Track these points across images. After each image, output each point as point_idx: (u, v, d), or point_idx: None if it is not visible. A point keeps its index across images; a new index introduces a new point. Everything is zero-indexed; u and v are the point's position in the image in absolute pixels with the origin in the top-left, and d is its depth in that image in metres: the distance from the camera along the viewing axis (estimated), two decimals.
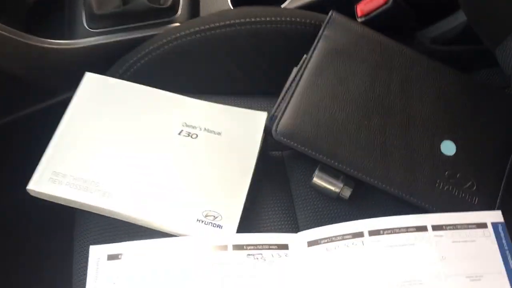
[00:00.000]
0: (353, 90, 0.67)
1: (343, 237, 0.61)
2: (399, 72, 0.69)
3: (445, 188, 0.64)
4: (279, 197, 0.69)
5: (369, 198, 0.68)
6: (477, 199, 0.64)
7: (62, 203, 0.64)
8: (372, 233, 0.61)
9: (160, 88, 0.71)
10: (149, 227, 0.63)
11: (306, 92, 0.67)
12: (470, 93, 0.69)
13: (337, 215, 0.67)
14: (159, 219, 0.62)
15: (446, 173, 0.65)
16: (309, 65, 0.69)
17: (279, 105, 0.68)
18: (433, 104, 0.68)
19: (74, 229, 0.66)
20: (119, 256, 0.61)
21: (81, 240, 0.64)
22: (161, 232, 0.63)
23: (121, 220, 0.64)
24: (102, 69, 0.74)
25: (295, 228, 0.67)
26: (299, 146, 0.65)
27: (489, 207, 0.64)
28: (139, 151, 0.66)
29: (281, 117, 0.66)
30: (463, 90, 0.69)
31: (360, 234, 0.61)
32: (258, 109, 0.71)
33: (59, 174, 0.64)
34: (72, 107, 0.68)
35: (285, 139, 0.65)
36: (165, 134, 0.68)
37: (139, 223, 0.63)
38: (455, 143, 0.66)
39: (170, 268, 0.60)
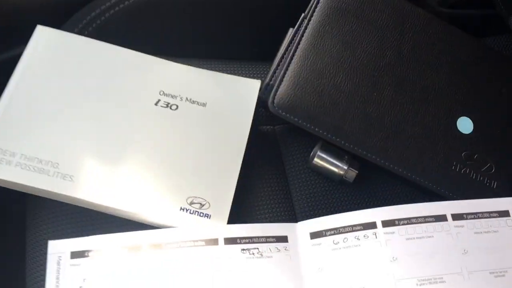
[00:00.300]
0: (360, 56, 0.58)
1: (352, 228, 0.53)
2: (411, 36, 0.60)
3: (462, 171, 0.57)
4: (272, 180, 0.59)
5: (376, 182, 0.59)
6: (495, 183, 0.58)
7: (11, 188, 0.52)
8: (386, 223, 0.52)
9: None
10: (121, 217, 0.53)
11: (307, 57, 0.57)
12: (489, 62, 0.62)
13: (339, 201, 0.58)
14: (133, 207, 0.51)
15: (463, 154, 0.58)
16: (309, 26, 0.59)
17: (274, 72, 0.58)
18: (448, 74, 0.60)
19: (26, 220, 0.54)
20: (86, 253, 0.50)
21: (36, 234, 0.52)
22: (136, 223, 0.53)
23: (87, 209, 0.52)
24: (59, 24, 0.61)
25: (291, 216, 0.58)
26: (299, 121, 0.55)
27: (509, 192, 0.58)
28: (107, 124, 0.54)
29: (278, 87, 0.56)
30: (481, 59, 0.62)
31: (372, 225, 0.52)
32: (248, 77, 0.61)
33: (7, 153, 0.51)
34: (21, 68, 0.55)
35: (283, 113, 0.55)
36: (138, 104, 0.56)
37: (109, 212, 0.52)
38: (472, 120, 0.59)
39: (149, 268, 0.49)
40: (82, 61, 0.57)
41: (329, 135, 0.56)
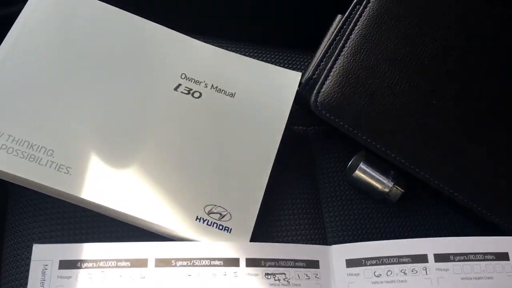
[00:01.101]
0: (421, 56, 0.49)
1: (398, 259, 0.44)
2: (482, 40, 0.51)
3: None
4: (300, 191, 0.50)
5: (421, 205, 0.51)
6: None
7: None
8: (439, 257, 0.44)
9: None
10: (125, 221, 0.44)
11: (359, 51, 0.48)
12: None
13: (378, 223, 0.50)
14: (140, 212, 0.42)
15: None
16: (364, 14, 0.50)
17: (318, 65, 0.49)
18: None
19: (7, 216, 0.45)
20: (79, 264, 0.41)
21: (18, 234, 0.43)
22: (143, 231, 0.44)
23: (84, 209, 0.43)
24: None
25: (321, 237, 0.49)
26: (345, 125, 0.47)
27: None
28: (115, 108, 0.45)
29: (323, 83, 0.47)
30: None
31: (423, 258, 0.44)
32: (281, 65, 0.52)
33: None
34: (16, 31, 0.46)
35: (327, 114, 0.47)
36: (155, 87, 0.47)
37: (111, 215, 0.43)
38: None
39: (153, 287, 0.41)
40: (89, 28, 0.47)
41: (378, 145, 0.47)
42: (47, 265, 0.40)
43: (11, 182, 0.43)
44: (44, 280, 0.40)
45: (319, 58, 0.49)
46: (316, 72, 0.49)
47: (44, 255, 0.41)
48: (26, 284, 0.40)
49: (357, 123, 0.47)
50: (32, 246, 0.41)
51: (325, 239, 0.49)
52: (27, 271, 0.40)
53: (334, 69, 0.48)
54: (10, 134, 0.42)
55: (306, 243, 0.47)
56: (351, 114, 0.47)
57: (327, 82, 0.47)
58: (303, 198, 0.50)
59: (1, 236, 0.44)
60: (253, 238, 0.44)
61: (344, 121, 0.47)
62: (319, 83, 0.47)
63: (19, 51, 0.45)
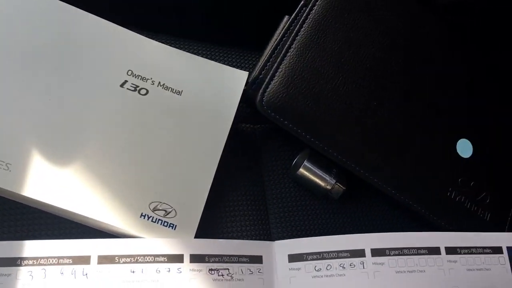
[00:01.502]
0: (364, 59, 0.51)
1: (338, 254, 0.46)
2: (423, 43, 0.54)
3: (457, 199, 0.52)
4: (246, 188, 0.51)
5: (362, 202, 0.53)
6: (489, 214, 0.53)
7: None
8: (376, 252, 0.46)
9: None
10: (68, 218, 0.43)
11: (304, 53, 0.50)
12: (493, 82, 0.57)
13: (321, 219, 0.52)
14: (83, 209, 0.42)
15: (460, 179, 0.52)
16: (310, 16, 0.51)
17: (265, 65, 0.50)
18: (457, 91, 0.54)
19: None
20: (19, 261, 0.40)
21: None
22: (87, 228, 0.43)
23: (24, 206, 0.43)
24: None
25: (265, 233, 0.50)
26: (290, 124, 0.48)
27: (501, 226, 0.53)
28: (57, 103, 0.45)
29: (269, 83, 0.48)
30: (492, 75, 0.56)
31: (360, 253, 0.46)
32: (228, 64, 0.52)
33: None
34: None
35: (272, 113, 0.48)
36: (100, 83, 0.46)
37: (53, 212, 0.43)
38: (472, 143, 0.54)
39: (96, 285, 0.41)
40: (32, 21, 0.46)
41: (321, 144, 0.48)
42: None
43: None
44: None
45: (266, 58, 0.50)
46: (263, 72, 0.50)
47: None
48: None
49: (301, 122, 0.48)
50: None
51: (270, 236, 0.50)
52: None
53: (280, 69, 0.49)
54: None
55: (252, 239, 0.49)
56: (295, 113, 0.48)
57: (273, 82, 0.48)
58: (249, 195, 0.51)
59: None
60: (198, 235, 0.45)
61: (289, 121, 0.48)
62: (265, 82, 0.48)
63: None
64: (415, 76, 0.52)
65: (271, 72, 0.49)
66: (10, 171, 0.41)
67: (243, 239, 0.48)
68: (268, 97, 0.48)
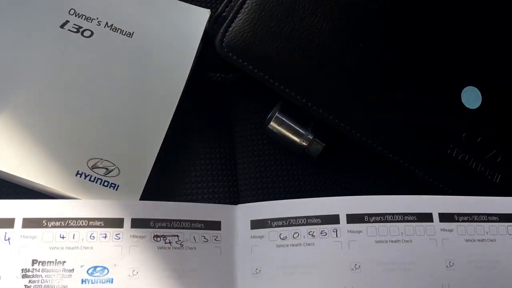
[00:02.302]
0: None
1: (307, 219, 0.39)
2: None
3: (459, 157, 0.44)
4: (212, 145, 0.45)
5: (345, 161, 0.46)
6: (499, 176, 0.44)
7: None
8: (352, 218, 0.39)
9: None
10: None
11: None
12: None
13: (296, 181, 0.45)
14: (8, 166, 0.37)
15: (464, 135, 0.44)
16: None
17: (230, 0, 0.43)
18: (462, 28, 0.45)
19: None
20: None
21: None
22: (13, 186, 0.39)
23: None
24: None
25: (233, 196, 0.44)
26: (255, 69, 0.41)
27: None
28: None
29: (232, 20, 0.41)
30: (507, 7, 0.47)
31: (333, 219, 0.39)
32: (194, 4, 0.45)
33: None
34: None
35: (234, 56, 0.41)
36: (36, 24, 0.41)
37: None
38: (481, 92, 0.45)
39: (21, 253, 0.36)
40: None
41: (292, 93, 0.41)
42: None
43: None
44: None
45: None
46: (227, 9, 0.43)
47: None
48: None
49: (270, 67, 0.41)
50: None
51: (238, 200, 0.44)
52: None
53: (246, 5, 0.42)
54: None
55: (214, 203, 0.43)
56: (262, 57, 0.41)
57: (237, 19, 0.41)
58: (214, 154, 0.45)
59: None
60: (147, 198, 0.39)
61: (254, 65, 0.41)
62: (228, 20, 0.41)
63: None
64: (408, 13, 0.44)
65: (235, 8, 0.42)
66: None
67: (203, 202, 0.42)
68: (230, 37, 0.41)
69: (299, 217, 0.39)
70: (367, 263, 0.38)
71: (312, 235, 0.39)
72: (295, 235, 0.39)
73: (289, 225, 0.39)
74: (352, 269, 0.38)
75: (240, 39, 0.41)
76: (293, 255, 0.38)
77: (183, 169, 0.43)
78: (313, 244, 0.39)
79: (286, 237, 0.39)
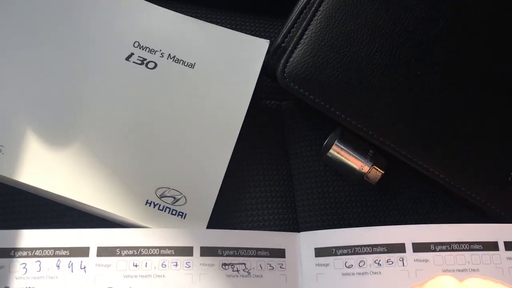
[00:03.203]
0: (406, 20, 0.43)
1: (372, 248, 0.40)
2: (477, 4, 0.46)
3: None
4: (270, 173, 0.45)
5: (404, 189, 0.46)
6: None
7: None
8: (418, 247, 0.39)
9: None
10: (64, 204, 0.39)
11: (334, 16, 0.43)
12: None
13: (356, 208, 0.45)
14: (82, 196, 0.38)
15: None
16: None
17: (289, 32, 0.44)
18: None
19: None
20: (12, 253, 0.37)
21: None
22: (87, 215, 0.39)
23: (21, 191, 0.39)
24: None
25: (292, 224, 0.44)
26: (316, 99, 0.42)
27: None
28: (55, 80, 0.41)
29: (292, 51, 0.42)
30: None
31: (399, 247, 0.39)
32: (248, 33, 0.46)
33: None
34: None
35: (295, 86, 0.42)
36: (103, 57, 0.42)
37: (51, 197, 0.39)
38: None
39: (95, 279, 0.37)
40: None
41: (353, 122, 0.42)
42: None
43: None
44: None
45: (290, 23, 0.44)
46: (286, 40, 0.44)
47: None
48: None
49: (330, 96, 0.42)
50: None
51: (297, 227, 0.44)
52: None
53: (305, 36, 0.43)
54: None
55: (274, 230, 0.43)
56: (323, 86, 0.42)
57: (297, 50, 0.42)
58: (273, 181, 0.45)
59: None
60: (212, 226, 0.40)
61: (315, 95, 0.42)
62: (288, 51, 0.42)
63: None
64: (469, 39, 0.44)
65: (294, 40, 0.42)
66: (3, 153, 0.38)
67: (265, 230, 0.43)
68: (291, 68, 0.42)
69: (365, 246, 0.40)
70: None
71: (378, 263, 0.39)
72: (361, 264, 0.39)
73: (355, 253, 0.40)
74: None
75: (301, 70, 0.42)
76: (359, 284, 0.39)
77: (243, 197, 0.44)
78: (380, 272, 0.39)
79: (352, 265, 0.39)
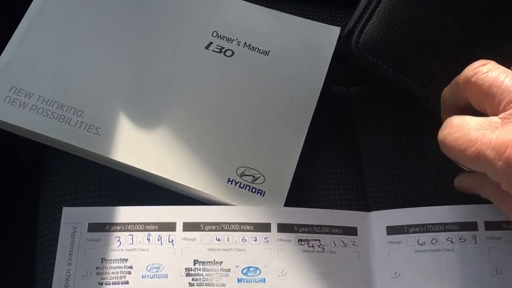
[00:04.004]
0: None
1: (445, 226, 0.41)
2: None
3: None
4: (339, 154, 0.47)
5: None
6: None
7: (25, 136, 0.43)
8: (490, 225, 0.40)
9: None
10: (155, 183, 0.43)
11: None
12: None
13: (429, 187, 0.46)
14: (170, 174, 0.41)
15: None
16: None
17: (360, 16, 0.45)
18: None
19: (42, 178, 0.45)
20: (107, 227, 0.40)
21: (51, 196, 0.43)
22: (173, 193, 0.42)
23: (116, 172, 0.43)
24: None
25: (362, 203, 0.46)
26: (390, 70, 0.43)
27: None
28: (143, 69, 0.44)
29: (366, 23, 0.44)
30: None
31: (471, 225, 0.40)
32: (319, 21, 0.48)
33: (22, 93, 0.42)
34: None
35: (370, 56, 0.43)
36: (185, 46, 0.45)
37: (141, 176, 0.43)
38: None
39: (182, 252, 0.40)
40: None
41: (425, 92, 0.43)
42: (76, 227, 0.40)
43: (43, 143, 0.43)
44: (73, 242, 0.40)
45: (361, 8, 0.45)
46: (358, 24, 0.45)
47: (73, 218, 0.40)
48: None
49: (403, 67, 0.43)
50: (61, 209, 0.41)
51: (367, 206, 0.46)
52: (58, 233, 0.40)
53: (379, 9, 0.44)
54: (40, 95, 0.42)
55: (345, 210, 0.45)
56: (396, 57, 0.43)
57: (371, 22, 0.43)
58: (342, 162, 0.47)
59: (37, 200, 0.44)
60: (287, 204, 0.42)
61: (389, 65, 0.43)
62: (362, 23, 0.44)
63: (47, 13, 0.44)
64: None
65: (368, 12, 0.44)
66: (99, 135, 0.41)
67: (336, 209, 0.44)
68: (365, 38, 0.43)
69: (437, 224, 0.41)
70: (509, 269, 0.39)
71: (451, 241, 0.40)
72: (433, 241, 0.40)
73: (427, 231, 0.41)
74: (494, 274, 0.39)
75: (375, 40, 0.43)
76: (432, 261, 0.40)
77: (315, 178, 0.46)
78: (452, 250, 0.40)
79: (425, 243, 0.41)
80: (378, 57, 0.43)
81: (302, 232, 0.41)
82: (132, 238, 0.40)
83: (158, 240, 0.40)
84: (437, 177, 0.46)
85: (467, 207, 0.41)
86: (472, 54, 0.43)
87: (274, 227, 0.41)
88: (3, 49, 0.43)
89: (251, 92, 0.44)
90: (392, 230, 0.42)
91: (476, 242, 0.40)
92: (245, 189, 0.42)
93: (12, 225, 0.46)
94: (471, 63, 0.41)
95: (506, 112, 0.33)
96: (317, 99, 0.45)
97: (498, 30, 0.44)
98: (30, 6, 0.44)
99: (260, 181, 0.42)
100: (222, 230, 0.40)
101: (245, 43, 0.46)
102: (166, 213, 0.40)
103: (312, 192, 0.45)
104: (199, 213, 0.41)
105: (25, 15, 0.44)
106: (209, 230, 0.40)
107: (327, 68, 0.45)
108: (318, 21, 0.47)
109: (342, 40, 0.45)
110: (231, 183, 0.42)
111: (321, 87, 0.45)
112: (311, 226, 0.41)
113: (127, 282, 0.39)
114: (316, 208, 0.43)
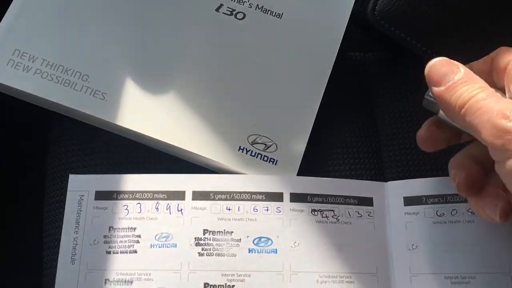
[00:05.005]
0: None
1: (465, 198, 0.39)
2: None
3: None
4: (355, 123, 0.45)
5: None
6: None
7: (30, 102, 0.41)
8: None
9: None
10: (163, 151, 0.41)
11: None
12: None
13: (443, 157, 0.44)
14: (179, 141, 0.40)
15: None
16: None
17: None
18: None
19: (48, 144, 0.43)
20: (115, 195, 0.39)
21: (56, 164, 0.42)
22: (183, 162, 0.41)
23: (123, 138, 0.41)
24: None
25: (379, 173, 0.44)
26: (408, 38, 0.41)
27: None
28: (151, 32, 0.42)
29: None
30: None
31: None
32: None
33: (25, 56, 0.40)
34: None
35: (387, 24, 0.41)
36: (194, 9, 0.43)
37: (149, 144, 0.41)
38: None
39: (191, 220, 0.38)
40: None
41: None
42: (83, 195, 0.39)
43: (49, 109, 0.41)
44: (80, 210, 0.39)
45: None
46: None
47: (80, 186, 0.39)
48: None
49: (422, 35, 0.41)
50: (68, 176, 0.39)
51: (383, 176, 0.44)
52: (65, 201, 0.39)
53: None
54: (44, 59, 0.40)
55: (361, 179, 0.43)
56: (414, 24, 0.41)
57: None
58: (358, 130, 0.45)
59: (43, 167, 0.43)
60: (301, 173, 0.41)
61: (407, 33, 0.41)
62: None
63: None
64: None
65: None
66: (106, 100, 0.40)
67: (351, 178, 0.43)
68: (382, 5, 0.41)
69: (457, 194, 0.39)
70: None
71: (472, 212, 0.38)
72: (453, 212, 0.39)
73: (446, 202, 0.39)
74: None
75: (392, 7, 0.41)
76: (452, 232, 0.38)
77: (329, 147, 0.44)
78: (473, 221, 0.38)
79: (444, 214, 0.39)
80: (395, 25, 0.41)
81: (315, 202, 0.40)
82: (140, 207, 0.39)
83: (167, 209, 0.39)
84: (457, 147, 0.44)
85: None
86: (497, 23, 0.40)
87: (286, 197, 0.39)
88: (6, 12, 0.41)
89: (263, 57, 0.42)
90: (410, 201, 0.40)
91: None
92: (257, 157, 0.40)
93: (19, 192, 0.45)
94: (494, 34, 0.39)
95: None
96: (332, 65, 0.43)
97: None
98: None
99: (272, 149, 0.40)
100: (232, 199, 0.39)
101: (257, 5, 0.43)
102: (175, 182, 0.39)
103: (326, 161, 0.43)
104: (209, 181, 0.39)
105: None
106: (219, 199, 0.39)
107: (343, 32, 0.43)
108: None
109: (359, 4, 0.43)
110: (242, 151, 0.40)
111: (336, 52, 0.43)
112: (325, 196, 0.40)
113: (135, 251, 0.38)
114: (330, 178, 0.41)
